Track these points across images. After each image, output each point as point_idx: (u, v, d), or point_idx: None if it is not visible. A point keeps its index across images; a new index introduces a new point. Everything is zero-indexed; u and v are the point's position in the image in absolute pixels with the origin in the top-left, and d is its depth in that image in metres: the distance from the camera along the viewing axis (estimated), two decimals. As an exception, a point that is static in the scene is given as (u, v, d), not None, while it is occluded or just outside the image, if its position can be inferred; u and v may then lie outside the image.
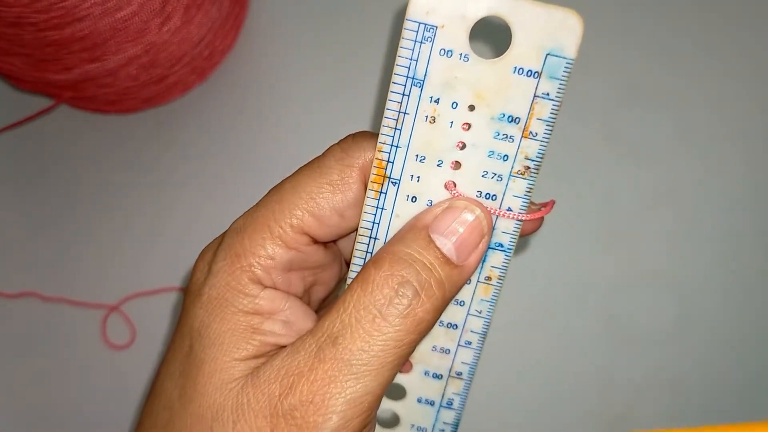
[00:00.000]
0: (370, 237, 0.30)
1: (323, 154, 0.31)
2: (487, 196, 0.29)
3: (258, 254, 0.29)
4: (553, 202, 0.30)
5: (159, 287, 0.58)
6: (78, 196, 0.60)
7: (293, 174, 0.31)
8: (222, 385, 0.28)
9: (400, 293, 0.27)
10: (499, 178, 0.28)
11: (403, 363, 0.28)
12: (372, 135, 0.30)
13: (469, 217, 0.28)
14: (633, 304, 0.55)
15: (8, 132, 0.61)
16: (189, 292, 0.31)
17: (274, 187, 0.31)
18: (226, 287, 0.29)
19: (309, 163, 0.31)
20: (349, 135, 0.31)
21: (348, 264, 0.34)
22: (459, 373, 0.32)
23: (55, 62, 0.52)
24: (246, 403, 0.28)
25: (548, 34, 0.26)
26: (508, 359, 0.55)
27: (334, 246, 0.33)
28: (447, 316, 0.31)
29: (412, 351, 0.28)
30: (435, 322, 0.28)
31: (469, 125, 0.28)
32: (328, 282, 0.33)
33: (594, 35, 0.60)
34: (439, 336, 0.31)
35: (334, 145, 0.31)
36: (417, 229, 0.28)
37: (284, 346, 0.29)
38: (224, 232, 0.31)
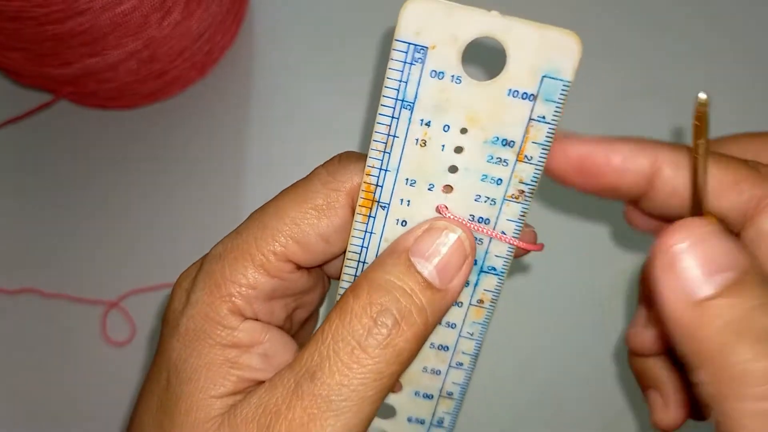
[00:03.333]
0: (359, 261, 0.29)
1: (308, 176, 0.29)
2: (480, 219, 0.27)
3: (239, 283, 0.28)
4: (542, 246, 0.30)
5: (159, 283, 0.57)
6: (78, 191, 0.60)
7: (277, 197, 0.29)
8: (198, 424, 0.27)
9: (380, 323, 0.26)
10: (493, 202, 0.27)
11: (385, 396, 0.27)
12: (359, 157, 0.29)
13: (451, 237, 0.27)
14: (634, 307, 0.54)
15: (8, 127, 0.61)
16: (166, 322, 0.30)
17: (256, 211, 0.30)
18: (205, 318, 0.28)
19: (293, 186, 0.29)
20: (335, 157, 0.29)
21: (330, 279, 0.33)
22: (450, 393, 0.31)
23: (55, 57, 0.52)
24: None
25: (544, 56, 0.24)
26: (504, 362, 0.54)
27: (318, 268, 0.32)
28: (438, 338, 0.30)
29: (395, 383, 0.27)
30: (418, 350, 0.27)
31: (462, 148, 0.26)
32: (310, 304, 0.32)
33: (594, 34, 0.59)
34: (429, 358, 0.31)
35: (319, 167, 0.29)
36: (397, 253, 0.27)
37: (263, 381, 0.28)
38: (203, 258, 0.30)
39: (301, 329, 0.33)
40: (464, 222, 0.27)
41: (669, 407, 0.33)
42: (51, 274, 0.58)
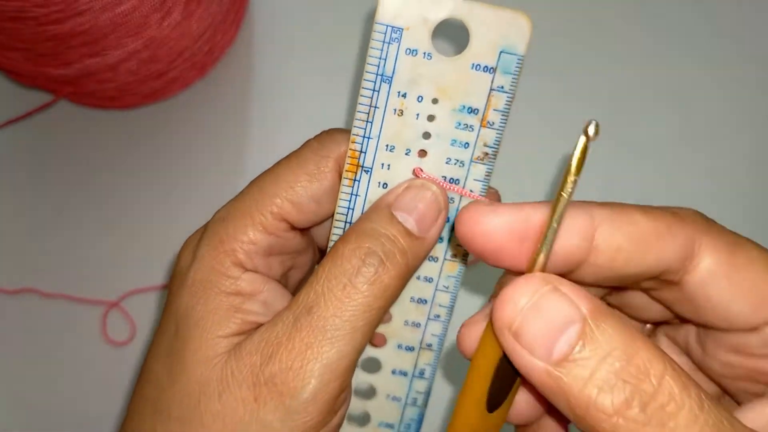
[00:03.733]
0: (346, 221, 0.36)
1: (301, 147, 0.36)
2: (452, 180, 0.35)
3: (240, 239, 0.35)
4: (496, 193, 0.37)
5: (159, 283, 0.62)
6: (78, 191, 0.64)
7: (272, 166, 0.37)
8: (207, 360, 0.34)
9: (367, 263, 0.33)
10: (462, 164, 0.35)
11: (374, 328, 0.33)
12: (345, 131, 0.36)
13: (427, 194, 0.34)
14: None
15: (8, 127, 0.65)
16: (174, 278, 0.37)
17: (255, 179, 0.37)
18: (210, 270, 0.35)
19: (287, 156, 0.37)
20: (324, 131, 0.37)
21: (321, 251, 0.40)
22: (429, 345, 0.38)
23: (55, 57, 0.56)
24: (230, 374, 0.33)
25: (501, 34, 0.32)
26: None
27: (308, 233, 0.39)
28: (417, 292, 0.37)
29: (381, 317, 0.34)
30: (401, 289, 0.34)
31: (434, 117, 0.34)
32: (303, 266, 0.39)
33: (592, 34, 0.66)
34: (410, 311, 0.38)
35: (310, 139, 0.37)
36: (380, 208, 0.34)
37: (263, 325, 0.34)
38: (207, 223, 0.37)
39: (295, 291, 0.40)
40: (438, 181, 0.35)
41: None
42: (51, 274, 0.62)
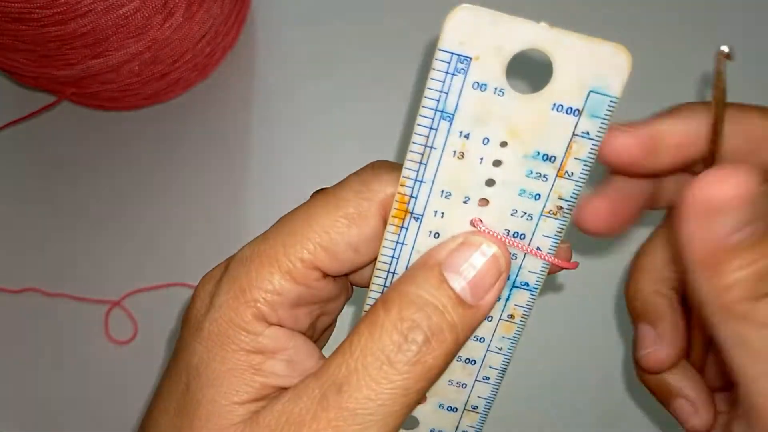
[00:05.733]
0: (389, 272, 0.27)
1: (340, 184, 0.28)
2: (516, 234, 0.26)
3: (264, 289, 0.27)
4: (576, 264, 0.28)
5: (161, 283, 0.57)
6: (80, 192, 0.60)
7: (306, 204, 0.28)
8: (219, 430, 0.26)
9: (410, 339, 0.24)
10: (529, 217, 0.25)
11: (412, 410, 0.25)
12: (392, 166, 0.27)
13: (486, 253, 0.25)
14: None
15: (11, 128, 0.61)
16: (188, 324, 0.28)
17: (285, 216, 0.28)
18: (228, 323, 0.27)
19: (324, 192, 0.28)
20: (368, 165, 0.28)
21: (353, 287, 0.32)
22: (475, 407, 0.30)
23: (58, 58, 0.51)
24: None
25: (592, 71, 0.23)
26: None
27: (343, 276, 0.30)
28: (465, 352, 0.29)
29: (421, 398, 0.26)
30: (446, 367, 0.26)
31: (500, 162, 0.25)
32: (334, 312, 0.31)
33: (593, 33, 0.60)
34: (455, 371, 0.29)
35: (351, 175, 0.28)
36: (429, 267, 0.26)
37: (286, 388, 0.26)
38: (228, 260, 0.29)
39: (321, 335, 0.32)
40: (499, 237, 0.26)
41: (699, 411, 0.33)
42: (53, 274, 0.58)
